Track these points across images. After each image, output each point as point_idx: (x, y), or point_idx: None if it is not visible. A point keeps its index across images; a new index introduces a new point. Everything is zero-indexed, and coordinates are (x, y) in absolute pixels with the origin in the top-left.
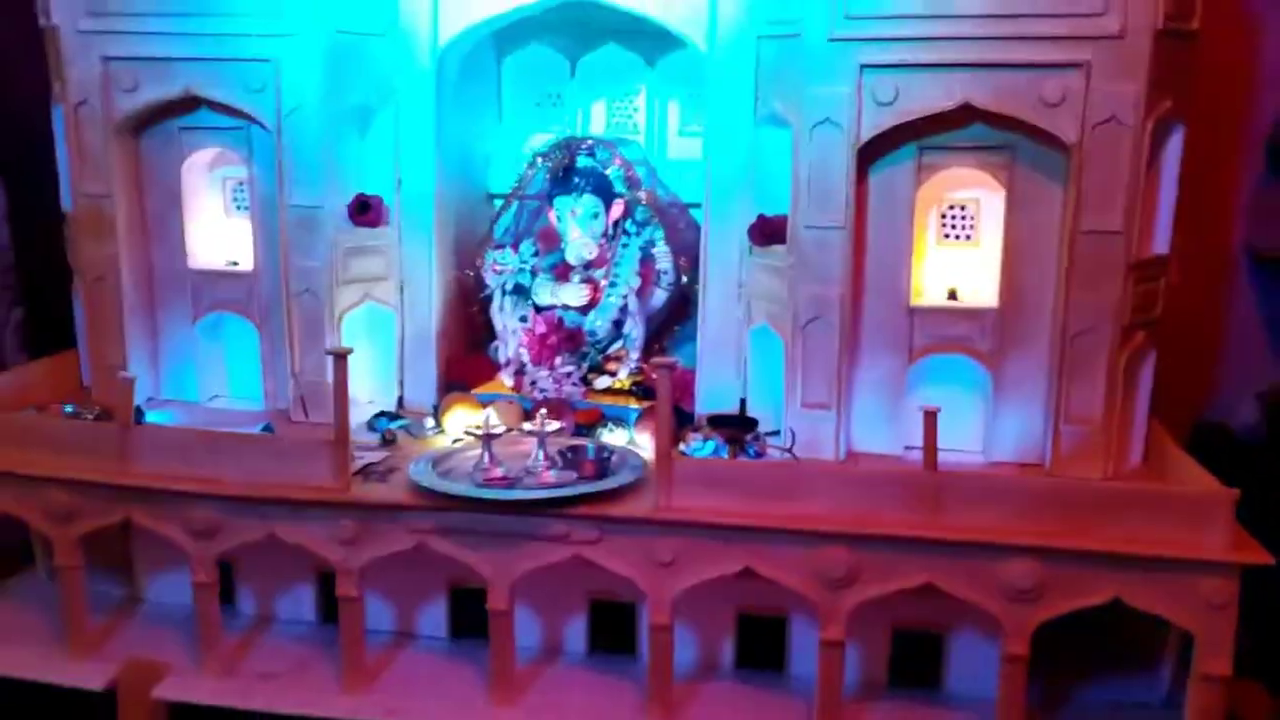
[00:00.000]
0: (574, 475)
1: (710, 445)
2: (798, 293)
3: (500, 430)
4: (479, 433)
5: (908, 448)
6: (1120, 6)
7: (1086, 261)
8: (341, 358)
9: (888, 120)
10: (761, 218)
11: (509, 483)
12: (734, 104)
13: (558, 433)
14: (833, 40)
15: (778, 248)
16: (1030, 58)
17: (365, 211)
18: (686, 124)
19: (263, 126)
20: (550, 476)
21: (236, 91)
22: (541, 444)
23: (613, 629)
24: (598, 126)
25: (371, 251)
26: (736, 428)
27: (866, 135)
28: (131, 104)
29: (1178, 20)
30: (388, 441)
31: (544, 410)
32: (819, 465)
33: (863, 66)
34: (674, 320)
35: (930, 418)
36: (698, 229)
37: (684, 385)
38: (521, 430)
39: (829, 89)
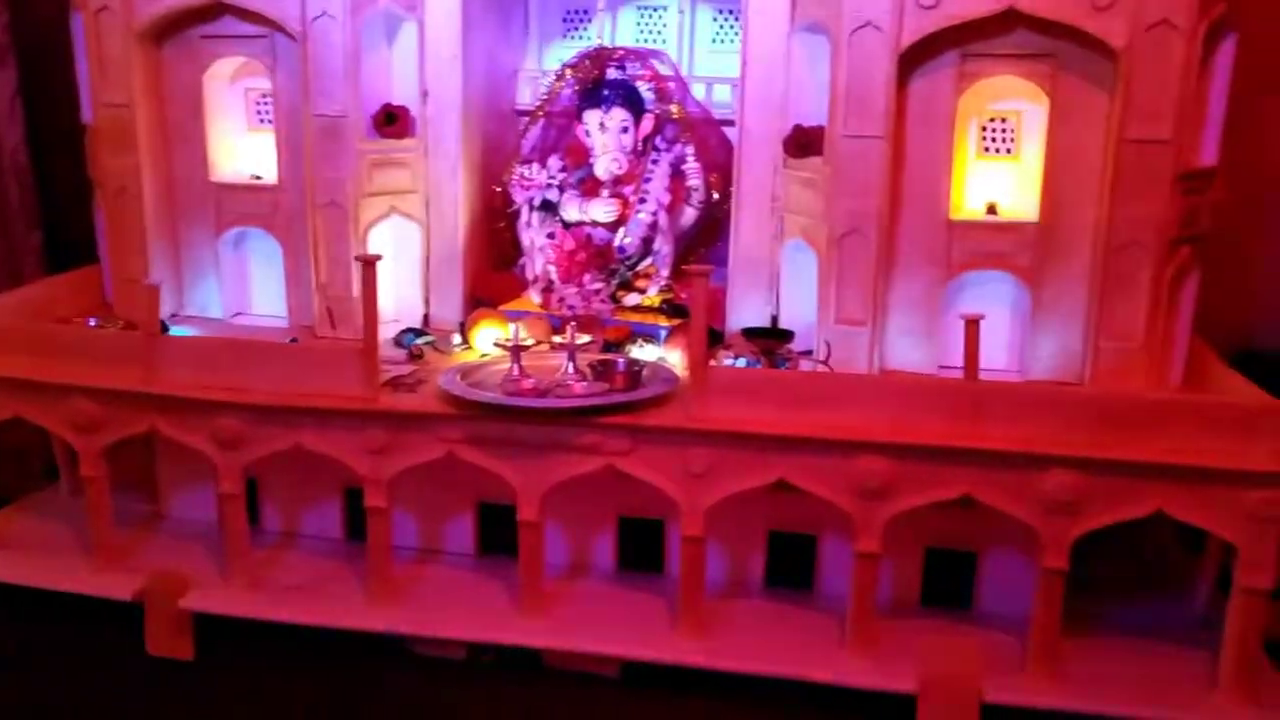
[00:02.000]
0: (605, 387)
1: (742, 362)
2: (834, 205)
3: (529, 343)
4: (508, 345)
5: (943, 366)
6: None
7: (1131, 172)
8: (370, 264)
9: (930, 24)
10: (797, 128)
11: (539, 393)
12: (770, 11)
13: (587, 346)
14: None
15: (814, 159)
16: None
17: (392, 122)
18: (719, 37)
19: (287, 34)
20: (581, 388)
21: None
22: (571, 357)
23: (642, 547)
24: (626, 41)
25: (397, 164)
26: (770, 339)
27: (908, 41)
28: (153, 10)
29: None
30: (415, 357)
31: (573, 324)
32: (856, 376)
33: None
34: (704, 241)
35: (972, 326)
36: (730, 147)
37: (714, 303)
38: (551, 344)
39: None
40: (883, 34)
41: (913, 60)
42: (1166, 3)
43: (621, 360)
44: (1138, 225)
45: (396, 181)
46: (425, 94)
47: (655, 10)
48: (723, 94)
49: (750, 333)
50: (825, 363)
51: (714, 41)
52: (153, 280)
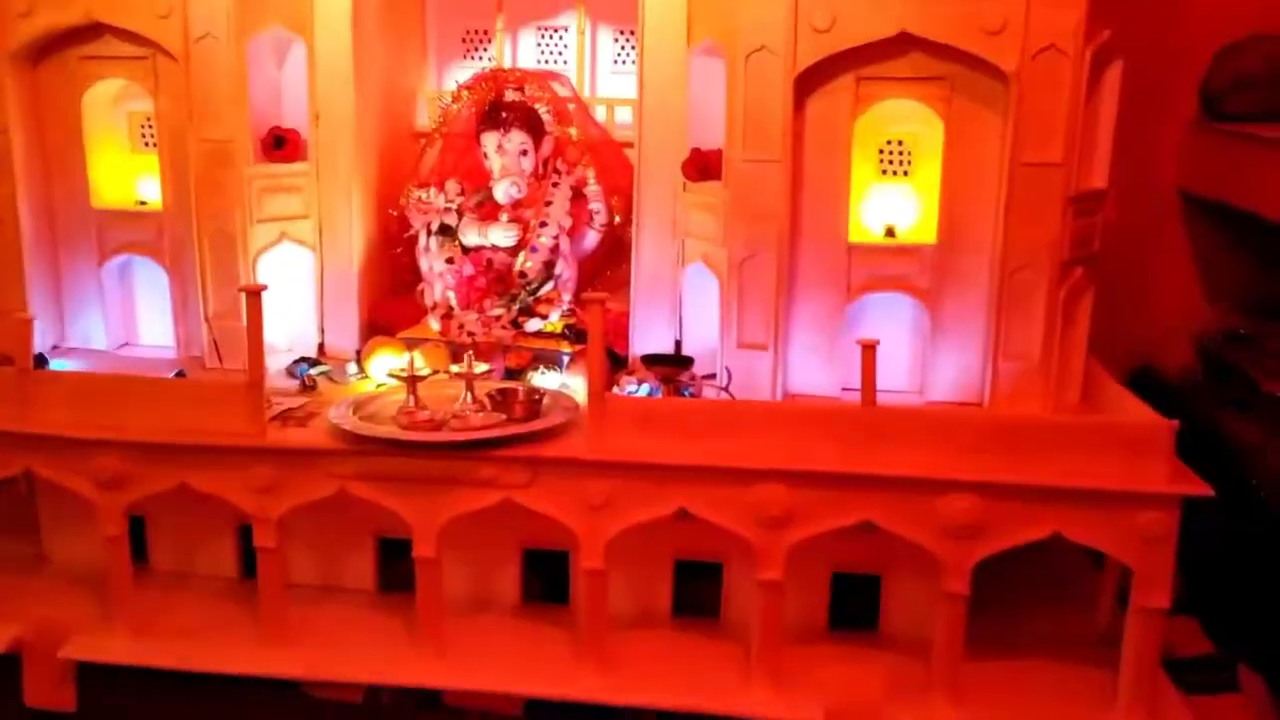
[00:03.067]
0: (503, 418)
1: (644, 389)
2: (733, 229)
3: (426, 373)
4: (403, 376)
5: (845, 389)
6: None
7: (1025, 195)
8: (255, 295)
9: (825, 48)
10: (695, 152)
11: (435, 425)
12: (667, 36)
13: (486, 375)
14: None
15: (713, 183)
16: None
17: (281, 146)
18: (620, 58)
19: (170, 56)
20: (478, 419)
21: (141, 16)
22: (469, 387)
23: (547, 579)
24: (527, 62)
25: (288, 189)
26: (671, 366)
27: (804, 64)
28: (28, 30)
29: None
30: (307, 388)
31: (471, 353)
32: (754, 403)
33: None
34: (607, 264)
35: (869, 351)
36: (631, 169)
37: (618, 328)
38: (448, 373)
39: (764, 14)
40: (778, 58)
41: (809, 83)
42: (1054, 28)
43: (521, 389)
44: (1033, 247)
45: (287, 207)
46: (317, 117)
47: (556, 32)
48: (625, 115)
49: (651, 360)
50: (727, 389)
51: (616, 63)
52: (28, 312)
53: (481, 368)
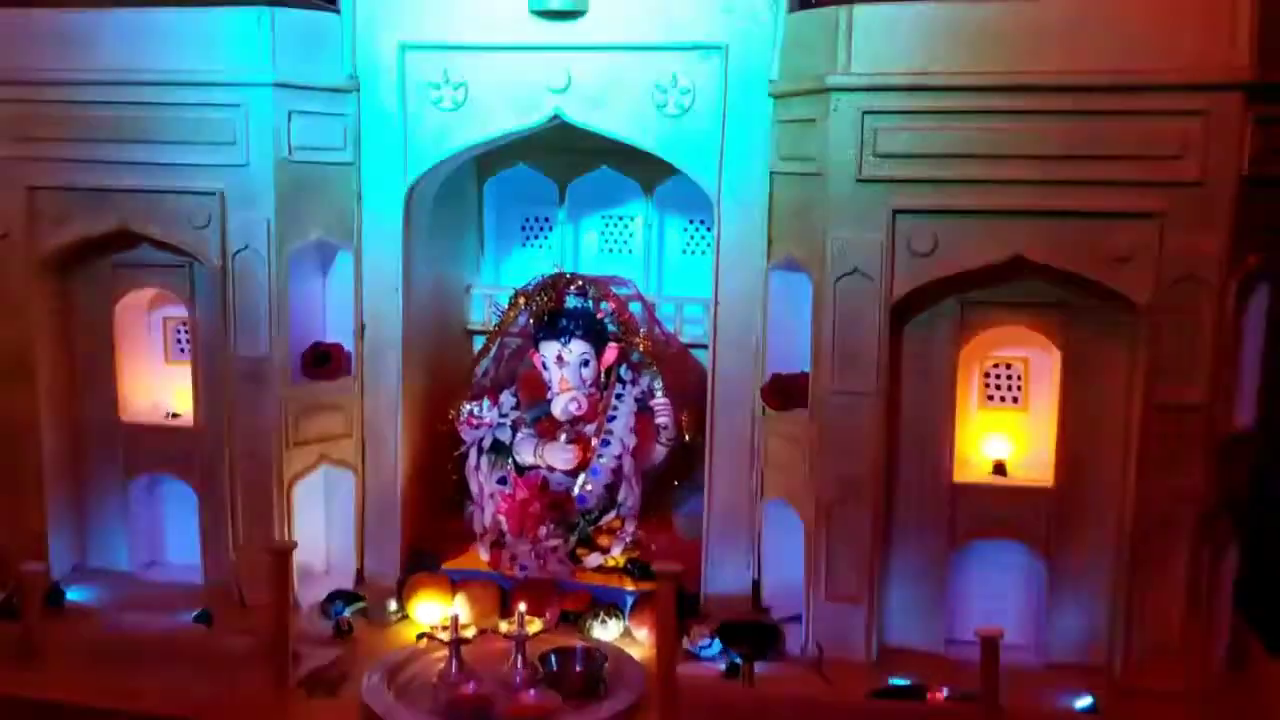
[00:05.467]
0: (558, 697)
1: (718, 646)
2: (822, 468)
3: (471, 634)
4: (446, 641)
5: (950, 641)
6: (1199, 149)
7: (1161, 440)
8: (283, 555)
9: (926, 274)
10: (776, 377)
11: (480, 703)
12: (745, 244)
13: (540, 633)
14: (861, 180)
15: (797, 412)
16: (1095, 205)
17: (324, 363)
18: (690, 248)
19: (207, 265)
20: (530, 697)
21: (178, 227)
22: (520, 649)
23: None
24: (589, 250)
25: (329, 408)
26: (752, 640)
27: (901, 290)
28: (59, 238)
29: (1263, 164)
30: (342, 632)
31: (523, 606)
32: (847, 701)
33: (896, 211)
34: (674, 475)
35: (989, 643)
36: (701, 374)
37: (688, 561)
38: (497, 631)
39: (857, 236)
40: (872, 283)
41: (907, 309)
42: (1192, 256)
43: (580, 650)
44: (1170, 498)
45: (328, 426)
46: (363, 329)
47: (621, 219)
48: (694, 310)
49: (729, 632)
50: (818, 667)
51: (684, 253)
52: (49, 534)
53: (535, 626)
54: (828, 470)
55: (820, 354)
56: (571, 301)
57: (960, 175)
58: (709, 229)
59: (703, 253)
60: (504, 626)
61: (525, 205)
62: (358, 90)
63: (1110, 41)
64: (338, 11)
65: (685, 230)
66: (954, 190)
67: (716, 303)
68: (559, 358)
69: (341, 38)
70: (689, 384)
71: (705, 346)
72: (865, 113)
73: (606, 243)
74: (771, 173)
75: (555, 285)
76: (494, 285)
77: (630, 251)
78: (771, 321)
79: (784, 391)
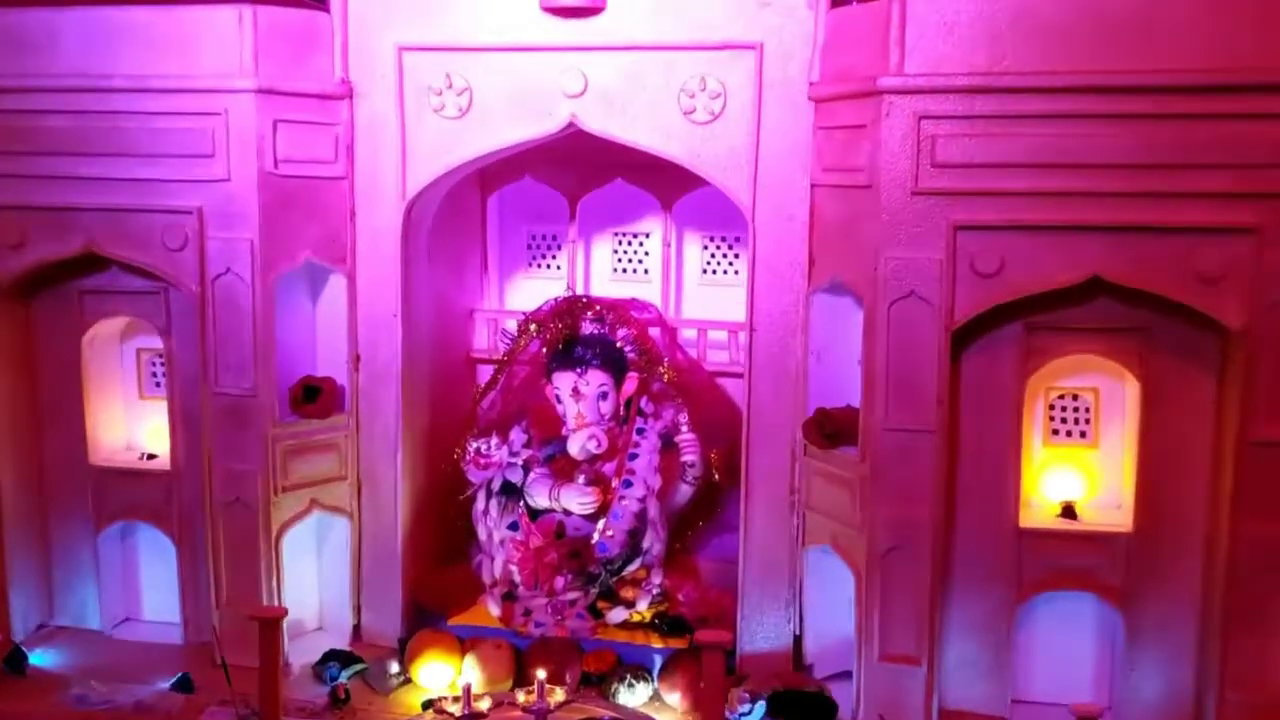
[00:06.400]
0: None
1: (760, 710)
2: (874, 512)
3: (485, 705)
4: (456, 709)
5: (1017, 701)
6: None
7: (1258, 481)
8: (273, 624)
9: (990, 296)
10: (821, 412)
11: None
12: (783, 264)
13: (564, 704)
14: (917, 193)
15: (845, 451)
16: (1181, 219)
17: (314, 398)
18: (711, 267)
19: (183, 290)
20: None
21: (150, 249)
22: None
23: None
24: (601, 270)
25: (321, 448)
26: (806, 713)
27: (963, 315)
28: (17, 262)
29: None
30: (339, 701)
31: (542, 673)
32: None
33: (957, 227)
34: (697, 514)
35: None
36: (729, 404)
37: (718, 610)
38: (514, 702)
39: (912, 255)
40: (931, 307)
41: (967, 335)
42: None
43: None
44: (1268, 547)
45: (319, 468)
46: (357, 359)
47: (635, 239)
48: (719, 335)
49: (780, 702)
50: None
51: (705, 272)
52: (10, 588)
53: (557, 696)
54: (880, 514)
55: (872, 386)
56: (587, 329)
57: (1029, 187)
58: (733, 247)
59: (725, 273)
60: (522, 697)
61: (532, 222)
62: (350, 96)
63: (1199, 37)
64: (328, 10)
65: (706, 248)
66: (1022, 203)
67: (752, 329)
68: (575, 390)
69: (332, 39)
70: (714, 415)
71: (734, 375)
72: (921, 117)
73: (619, 264)
74: (812, 185)
75: (570, 310)
76: (499, 309)
77: (646, 272)
78: (814, 350)
79: (831, 428)
